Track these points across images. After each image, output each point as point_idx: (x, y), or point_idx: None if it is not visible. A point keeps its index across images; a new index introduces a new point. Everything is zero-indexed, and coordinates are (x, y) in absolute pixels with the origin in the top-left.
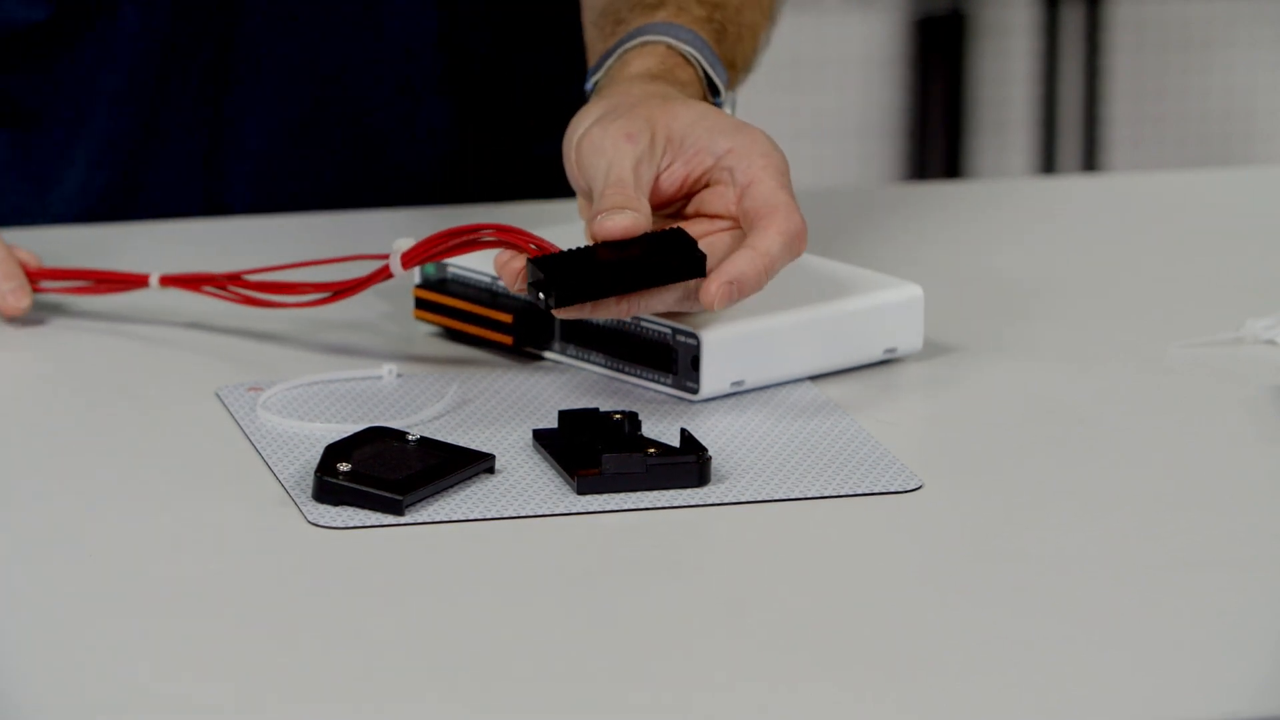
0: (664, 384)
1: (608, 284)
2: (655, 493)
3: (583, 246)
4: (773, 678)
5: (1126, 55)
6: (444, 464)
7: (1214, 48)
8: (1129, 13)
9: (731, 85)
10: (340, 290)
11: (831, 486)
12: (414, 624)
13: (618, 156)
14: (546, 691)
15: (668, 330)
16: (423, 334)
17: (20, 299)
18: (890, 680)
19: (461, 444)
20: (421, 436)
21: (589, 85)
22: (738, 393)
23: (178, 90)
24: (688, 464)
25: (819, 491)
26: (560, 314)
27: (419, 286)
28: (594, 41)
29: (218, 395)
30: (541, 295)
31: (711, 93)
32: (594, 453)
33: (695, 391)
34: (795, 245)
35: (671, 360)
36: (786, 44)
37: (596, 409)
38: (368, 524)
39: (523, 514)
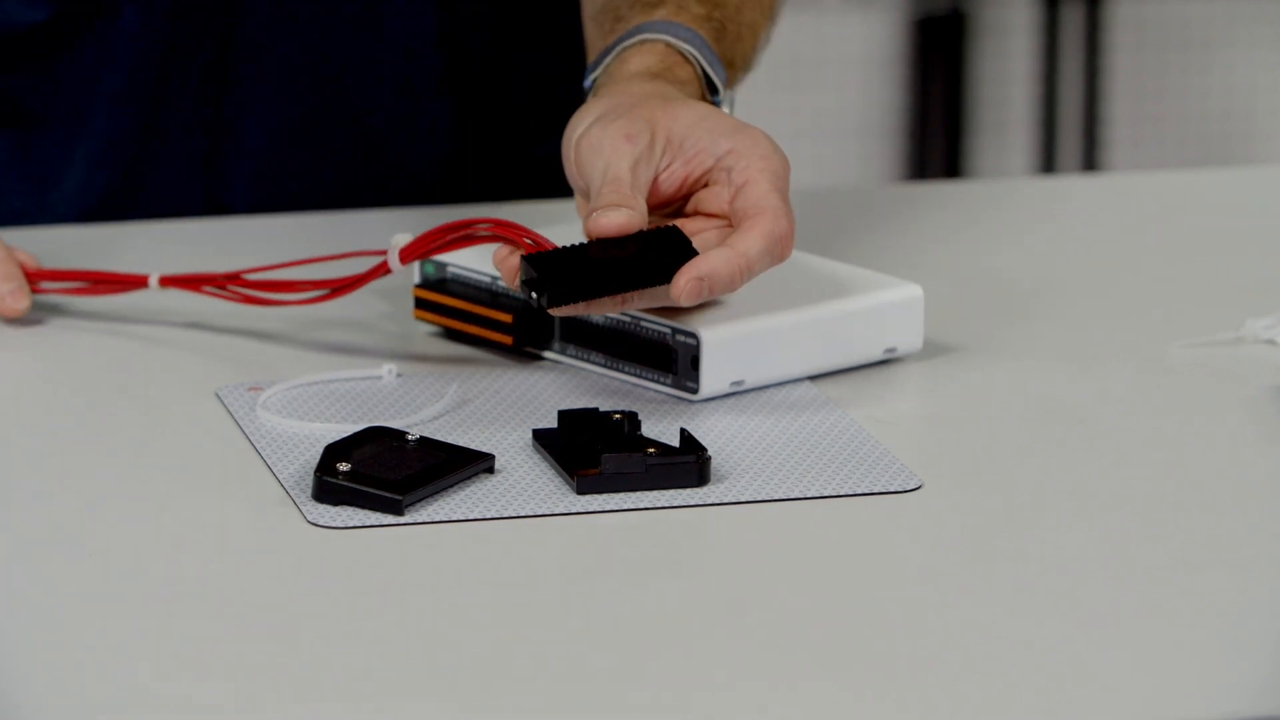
0: (664, 384)
1: (601, 283)
2: (655, 493)
3: (577, 244)
4: (773, 678)
5: (1126, 55)
6: (444, 464)
7: (1214, 48)
8: (1129, 13)
9: (730, 84)
10: (339, 287)
11: (831, 486)
12: (414, 624)
13: (616, 156)
14: (546, 691)
15: (667, 330)
16: (423, 334)
17: (19, 300)
18: (890, 680)
19: (461, 444)
20: (421, 436)
21: (587, 82)
22: (737, 393)
23: (178, 90)
24: (687, 464)
25: (819, 491)
26: (554, 312)
27: (419, 286)
28: (593, 39)
29: (218, 395)
30: (534, 294)
31: (710, 91)
32: (594, 453)
33: (695, 391)
34: (777, 249)
35: (671, 360)
36: (786, 44)
37: (596, 409)
38: (367, 524)
39: (522, 514)
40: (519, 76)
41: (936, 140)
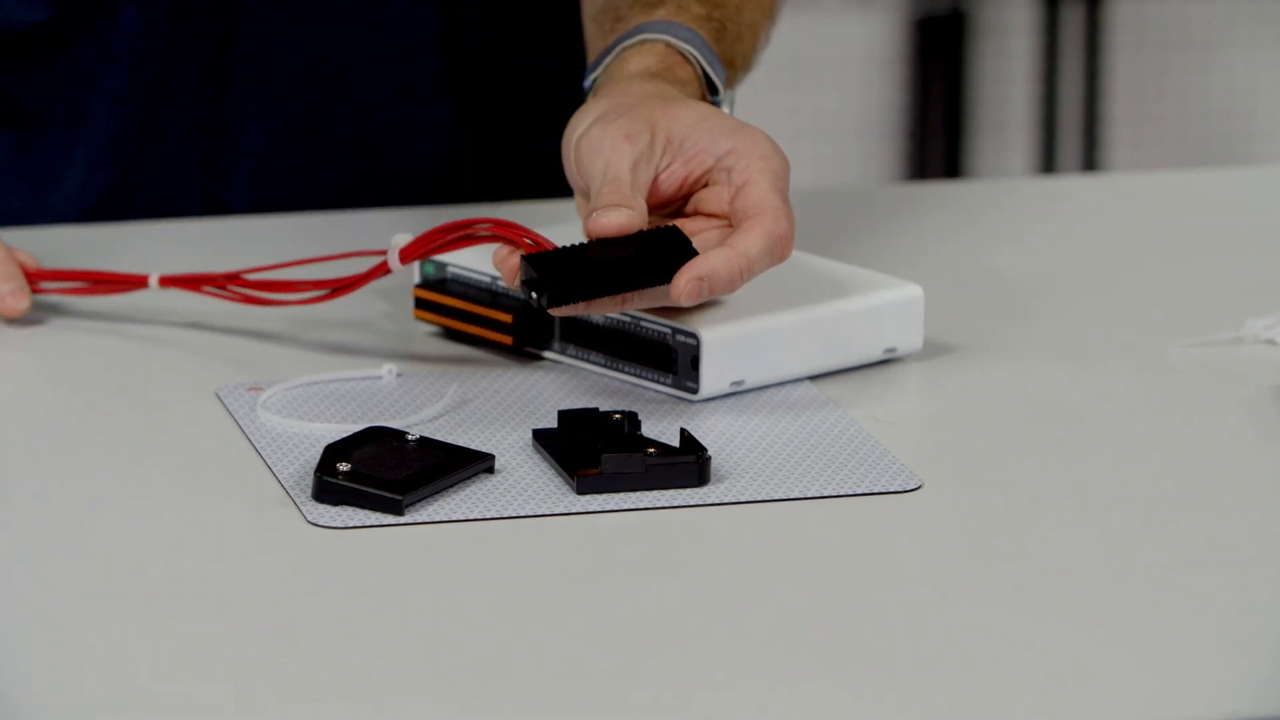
0: (664, 384)
1: (601, 283)
2: (655, 493)
3: (577, 244)
4: (773, 678)
5: (1126, 55)
6: (444, 464)
7: (1214, 48)
8: (1129, 13)
9: (730, 84)
10: (338, 287)
11: (831, 486)
12: (414, 624)
13: (616, 156)
14: (546, 691)
15: (667, 330)
16: (423, 334)
17: (19, 300)
18: (890, 680)
19: (461, 444)
20: (421, 436)
21: (587, 82)
22: (737, 393)
23: (178, 90)
24: (687, 464)
25: (819, 491)
26: (554, 312)
27: (419, 286)
28: (593, 39)
29: (218, 395)
30: (534, 294)
31: (710, 91)
32: (594, 453)
33: (695, 391)
34: (777, 249)
35: (671, 360)
36: (786, 44)
37: (596, 409)
38: (367, 524)
39: (522, 514)
40: (519, 76)
41: (936, 140)
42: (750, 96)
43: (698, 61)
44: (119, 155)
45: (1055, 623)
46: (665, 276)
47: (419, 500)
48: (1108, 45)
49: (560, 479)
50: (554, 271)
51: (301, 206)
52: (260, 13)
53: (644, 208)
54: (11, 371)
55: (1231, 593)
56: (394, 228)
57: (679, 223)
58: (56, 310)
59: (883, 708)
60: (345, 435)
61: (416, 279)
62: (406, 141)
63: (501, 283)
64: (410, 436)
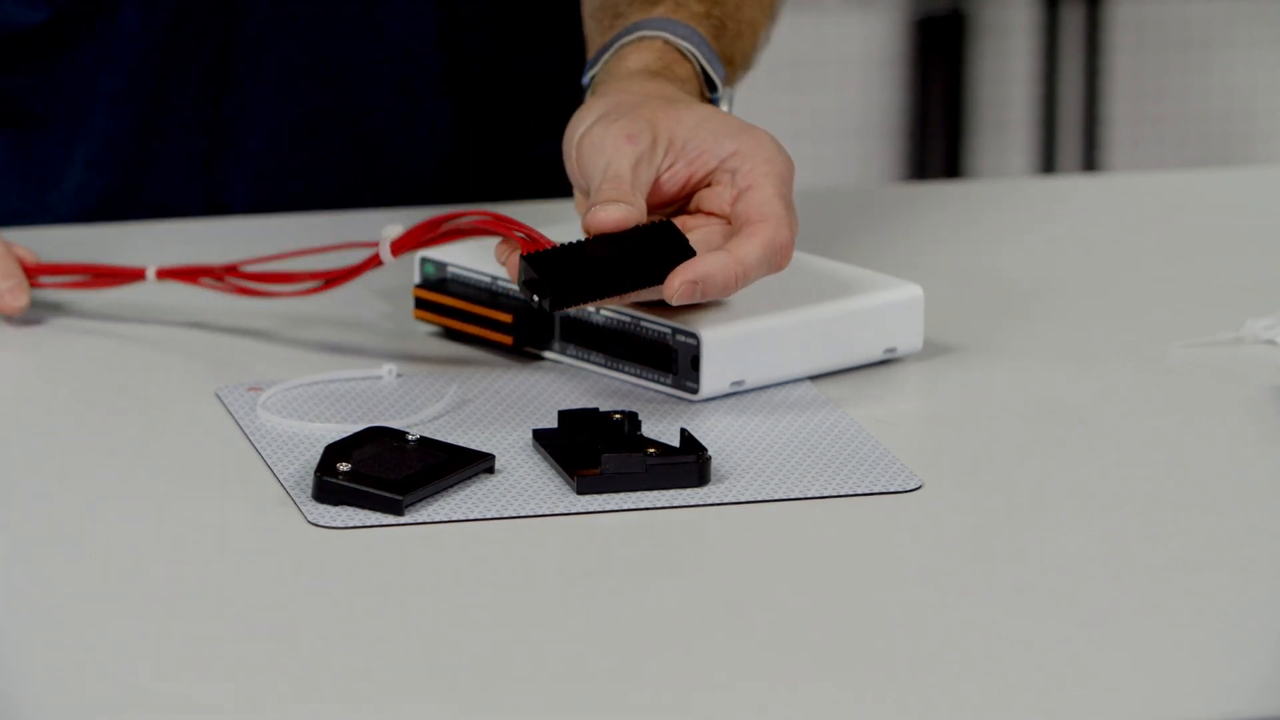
0: (664, 384)
1: (601, 284)
2: (655, 493)
3: (574, 242)
4: (773, 678)
5: (1126, 55)
6: (444, 464)
7: (1214, 48)
8: (1129, 13)
9: (730, 82)
10: (332, 279)
11: (831, 486)
12: (414, 624)
13: (617, 155)
14: (546, 691)
15: (668, 330)
16: (423, 334)
17: (18, 298)
18: (890, 680)
19: (461, 444)
20: (421, 436)
21: (585, 79)
22: (738, 393)
23: (178, 90)
24: (687, 464)
25: (819, 491)
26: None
27: (419, 286)
28: (592, 35)
29: (218, 395)
30: (535, 296)
31: (709, 88)
32: (594, 453)
33: (695, 391)
34: (776, 259)
35: (671, 360)
36: (786, 44)
37: (596, 409)
38: (368, 524)
39: (522, 514)
40: (519, 76)
41: (936, 140)
42: (750, 96)
43: (696, 59)
44: (119, 155)
45: (1055, 623)
46: (664, 276)
47: (419, 500)
48: (1108, 45)
49: (560, 479)
50: (554, 272)
51: (301, 206)
52: (260, 13)
53: (643, 205)
54: (11, 371)
55: (1231, 593)
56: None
57: (680, 219)
58: (56, 310)
59: (883, 708)
60: (345, 435)
61: (416, 279)
62: (406, 141)
63: (502, 283)
64: (410, 436)
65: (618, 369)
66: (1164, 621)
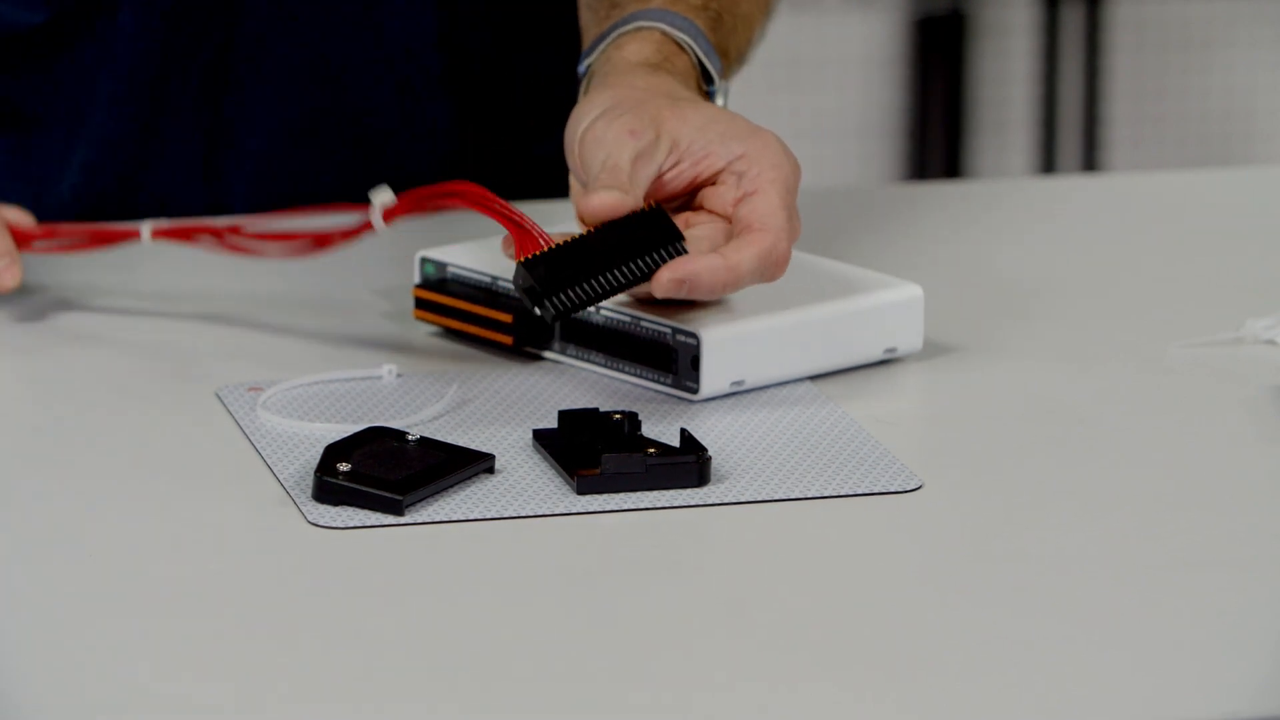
0: (664, 384)
1: (597, 288)
2: (655, 493)
3: (567, 241)
4: (773, 678)
5: (1126, 55)
6: (444, 464)
7: (1214, 48)
8: (1129, 13)
9: (725, 75)
10: (322, 240)
11: (831, 486)
12: (414, 624)
13: (617, 148)
14: (546, 691)
15: (668, 330)
16: (423, 334)
17: (12, 277)
18: (890, 680)
19: (461, 444)
20: (421, 436)
21: (581, 68)
22: (738, 393)
23: (177, 91)
24: (687, 464)
25: (819, 491)
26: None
27: (419, 286)
28: (588, 25)
29: (218, 395)
30: (535, 308)
31: (705, 81)
32: (594, 453)
33: (695, 391)
34: (770, 270)
35: (671, 360)
36: (786, 44)
37: (596, 409)
38: (368, 524)
39: (523, 514)
40: (519, 76)
41: (936, 140)
42: (750, 96)
43: (693, 51)
44: (118, 157)
45: (1055, 623)
46: (656, 266)
47: (419, 500)
48: (1108, 45)
49: (560, 479)
50: (550, 281)
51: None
52: (260, 13)
53: (639, 195)
54: (12, 371)
55: (1231, 593)
56: (394, 228)
57: (683, 216)
58: (56, 309)
59: (883, 708)
60: (345, 435)
61: (416, 279)
62: (406, 141)
63: (502, 283)
64: (410, 436)
65: (618, 369)
66: (1164, 621)
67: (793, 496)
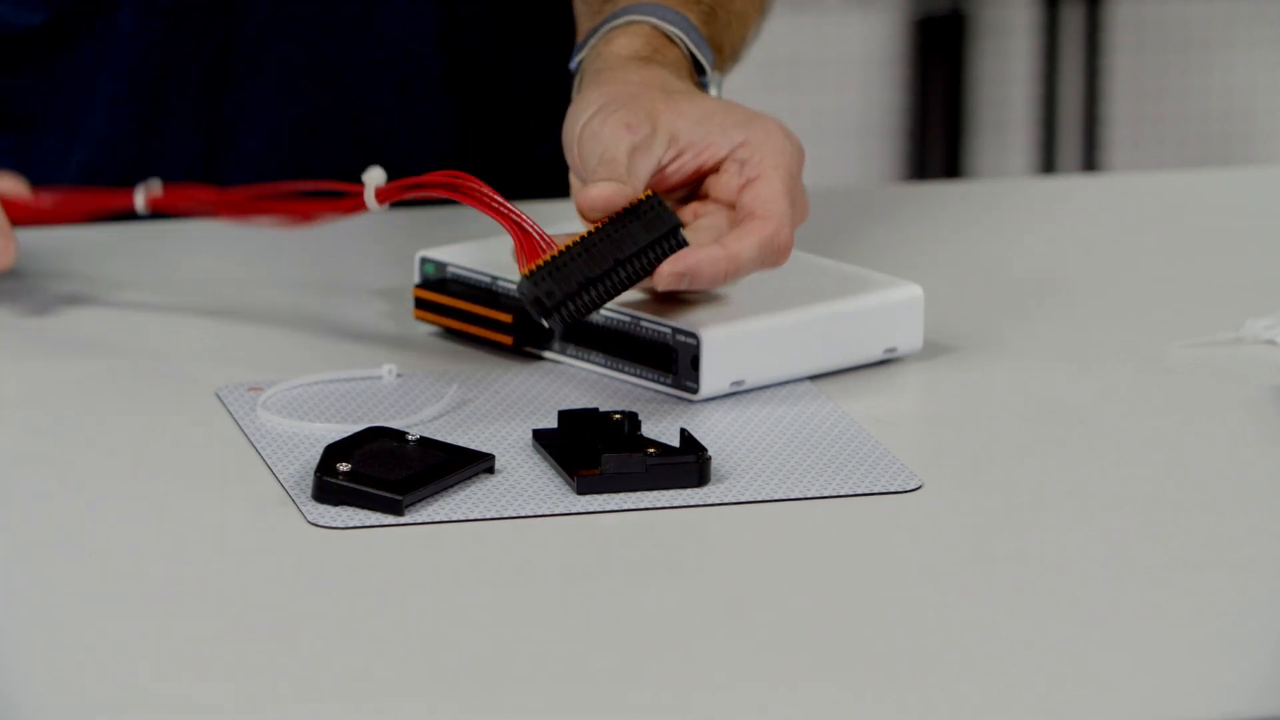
0: (664, 384)
1: (602, 292)
2: (655, 493)
3: (568, 246)
4: (773, 678)
5: (1126, 55)
6: (444, 464)
7: (1214, 48)
8: (1129, 13)
9: (720, 69)
10: (312, 212)
11: (831, 486)
12: (414, 624)
13: (614, 142)
14: (546, 691)
15: (667, 330)
16: (423, 334)
17: (5, 256)
18: (890, 680)
19: (461, 444)
20: (421, 436)
21: (573, 63)
22: (738, 392)
23: (177, 92)
24: (687, 464)
25: (819, 491)
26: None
27: (419, 286)
28: (581, 19)
29: (218, 395)
30: (543, 320)
31: (698, 72)
32: (594, 453)
33: (695, 391)
34: (772, 257)
35: (671, 360)
36: (786, 44)
37: (596, 409)
38: (368, 524)
39: (523, 514)
40: (519, 76)
41: (936, 140)
42: (750, 96)
43: (683, 42)
44: (118, 157)
45: (1055, 623)
46: (658, 260)
47: (419, 500)
48: (1108, 45)
49: (560, 479)
50: (556, 293)
51: None
52: (260, 13)
53: (637, 187)
54: (11, 371)
55: (1231, 593)
56: (394, 227)
57: (689, 207)
58: (56, 309)
59: (883, 708)
60: (345, 435)
61: (416, 279)
62: (406, 141)
63: (502, 283)
64: (410, 436)
65: (618, 369)
66: (1164, 621)
67: (793, 496)
